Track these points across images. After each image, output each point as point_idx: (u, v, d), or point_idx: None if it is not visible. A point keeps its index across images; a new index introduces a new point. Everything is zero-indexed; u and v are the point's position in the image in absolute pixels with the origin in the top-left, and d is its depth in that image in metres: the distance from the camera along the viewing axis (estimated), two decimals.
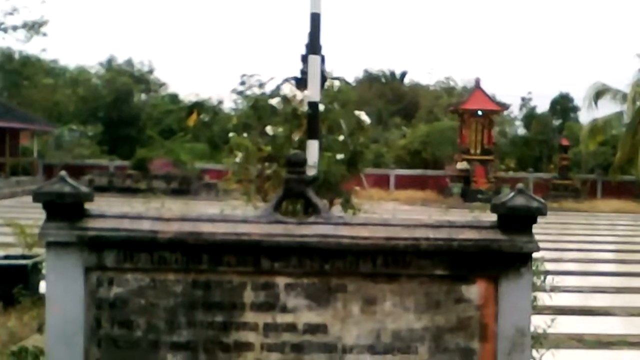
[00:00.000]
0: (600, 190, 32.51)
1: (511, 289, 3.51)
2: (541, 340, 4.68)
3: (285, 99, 6.82)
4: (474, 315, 3.55)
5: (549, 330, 4.71)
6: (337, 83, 7.07)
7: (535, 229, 3.53)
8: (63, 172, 3.51)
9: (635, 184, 31.29)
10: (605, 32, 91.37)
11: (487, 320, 3.54)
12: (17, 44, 44.14)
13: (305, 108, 6.55)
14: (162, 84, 57.36)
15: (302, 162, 3.60)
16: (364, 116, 7.10)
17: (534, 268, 4.60)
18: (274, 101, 6.81)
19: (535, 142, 42.52)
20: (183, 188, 28.09)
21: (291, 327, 3.48)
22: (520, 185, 3.60)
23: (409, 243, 3.47)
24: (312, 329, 3.48)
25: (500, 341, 3.53)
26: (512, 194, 3.53)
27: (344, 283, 3.50)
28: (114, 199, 22.65)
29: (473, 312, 3.54)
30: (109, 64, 54.48)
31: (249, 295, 3.47)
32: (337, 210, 6.83)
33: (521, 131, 50.09)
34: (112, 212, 3.57)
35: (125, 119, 45.89)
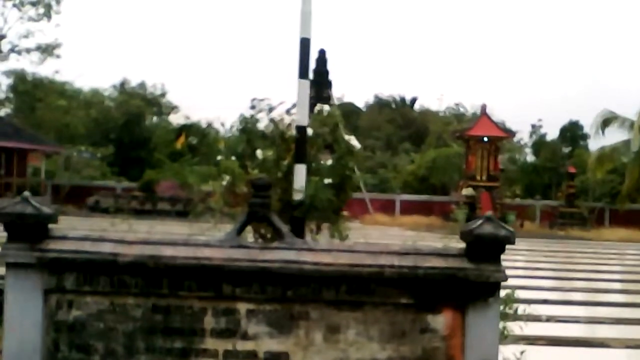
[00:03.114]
0: (608, 218, 32.25)
1: (478, 320, 3.44)
2: None
3: (274, 123, 6.80)
4: (440, 346, 3.47)
5: None
6: (326, 107, 7.03)
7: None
8: (27, 193, 3.47)
9: None
10: (616, 61, 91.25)
11: (453, 352, 3.47)
12: (31, 66, 44.49)
13: (293, 132, 6.52)
14: (174, 107, 57.67)
15: (267, 187, 3.56)
16: (353, 141, 7.05)
17: (507, 296, 4.51)
18: (263, 125, 6.79)
19: (544, 169, 42.33)
20: (187, 210, 28.01)
21: (252, 355, 3.41)
22: (489, 213, 3.53)
23: (373, 270, 3.41)
24: (274, 357, 3.42)
25: None
26: (479, 221, 3.46)
27: (307, 310, 3.43)
28: (117, 220, 22.50)
29: (439, 342, 3.47)
30: (122, 87, 54.86)
31: (209, 321, 3.41)
32: (324, 235, 6.76)
33: (530, 158, 49.91)
34: (74, 234, 3.53)
35: (137, 141, 46.05)
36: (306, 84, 6.46)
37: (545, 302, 11.57)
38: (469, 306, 3.44)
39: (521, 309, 4.72)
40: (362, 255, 3.48)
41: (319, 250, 3.49)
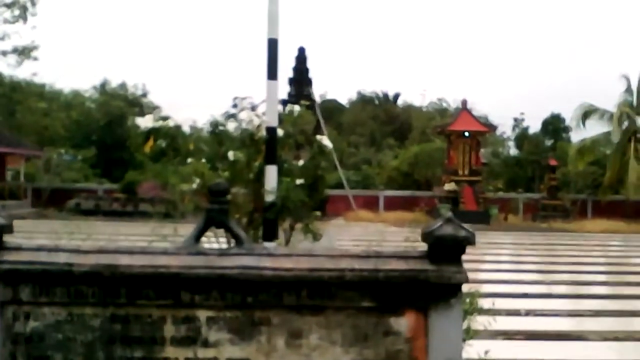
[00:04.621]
0: (590, 210, 32.44)
1: (441, 321, 3.41)
2: None
3: (244, 124, 6.76)
4: (403, 349, 3.43)
5: None
6: (297, 108, 6.99)
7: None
8: None
9: (625, 203, 31.24)
10: (596, 53, 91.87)
11: (417, 354, 3.43)
12: (8, 69, 44.05)
13: (263, 133, 6.49)
14: (156, 108, 57.36)
15: (224, 192, 3.51)
16: (325, 141, 7.03)
17: (471, 295, 4.49)
18: (231, 126, 6.76)
19: (527, 162, 42.56)
20: (169, 211, 27.77)
21: None
22: (448, 213, 3.50)
23: (334, 274, 3.36)
24: None
25: None
26: (440, 222, 3.43)
27: (268, 316, 3.39)
28: (98, 222, 22.44)
29: (402, 345, 3.43)
30: (103, 88, 54.55)
31: (169, 330, 3.36)
32: (297, 235, 6.74)
33: (514, 151, 50.13)
34: (29, 244, 3.47)
35: (118, 142, 45.85)
36: (275, 84, 6.43)
37: (525, 295, 11.62)
38: (431, 308, 3.41)
39: (490, 303, 4.71)
40: (323, 259, 3.43)
41: (279, 255, 3.44)
